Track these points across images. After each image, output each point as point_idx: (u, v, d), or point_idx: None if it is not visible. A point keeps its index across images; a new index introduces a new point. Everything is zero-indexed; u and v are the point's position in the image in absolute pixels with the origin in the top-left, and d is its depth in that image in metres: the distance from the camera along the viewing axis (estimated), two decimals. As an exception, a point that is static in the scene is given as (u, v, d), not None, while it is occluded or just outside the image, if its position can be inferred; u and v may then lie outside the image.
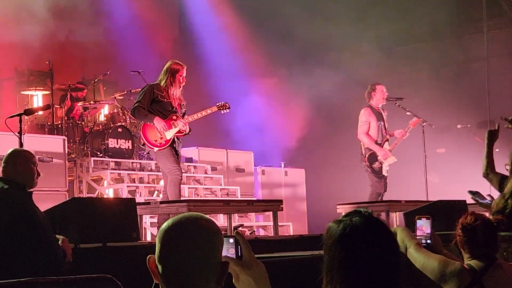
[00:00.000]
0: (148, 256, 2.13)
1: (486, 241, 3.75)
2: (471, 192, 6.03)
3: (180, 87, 8.59)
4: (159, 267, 2.10)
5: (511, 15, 14.41)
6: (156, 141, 8.45)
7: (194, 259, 2.08)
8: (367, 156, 10.30)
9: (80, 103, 11.75)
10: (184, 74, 8.57)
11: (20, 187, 5.04)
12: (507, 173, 5.94)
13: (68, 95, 11.80)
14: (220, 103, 9.05)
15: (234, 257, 2.26)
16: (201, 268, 2.09)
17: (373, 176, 10.33)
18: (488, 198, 6.40)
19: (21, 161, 5.11)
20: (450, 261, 3.62)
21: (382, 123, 10.39)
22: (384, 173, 10.29)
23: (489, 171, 5.93)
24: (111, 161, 10.86)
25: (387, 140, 10.44)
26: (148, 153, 9.02)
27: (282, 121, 15.08)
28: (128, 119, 11.53)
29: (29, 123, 10.87)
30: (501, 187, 5.80)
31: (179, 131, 8.52)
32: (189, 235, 2.09)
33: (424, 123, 11.03)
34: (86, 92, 12.32)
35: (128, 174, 10.83)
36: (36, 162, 5.22)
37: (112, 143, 10.91)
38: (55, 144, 9.96)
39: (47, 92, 11.80)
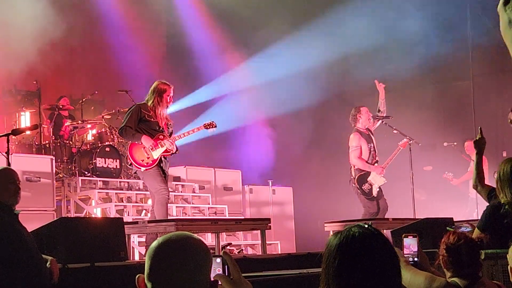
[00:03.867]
0: (137, 275, 2.14)
1: (470, 260, 3.78)
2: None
3: (167, 107, 8.64)
4: (148, 285, 2.11)
5: (495, 34, 14.54)
6: (143, 160, 8.46)
7: (183, 278, 2.09)
8: (356, 178, 10.33)
9: (68, 123, 11.76)
10: (171, 94, 8.62)
11: (3, 207, 4.99)
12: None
13: (56, 114, 11.80)
14: (207, 122, 9.07)
15: None
16: (190, 287, 2.10)
17: (363, 197, 10.36)
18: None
19: None
20: (436, 277, 3.65)
21: (371, 145, 10.44)
22: (374, 194, 10.32)
23: (478, 183, 5.91)
24: (99, 180, 10.85)
25: (377, 161, 10.49)
26: (135, 172, 9.03)
27: (270, 140, 15.12)
28: (116, 139, 11.53)
29: (16, 143, 10.85)
30: (490, 198, 5.81)
31: (166, 151, 8.53)
32: (179, 254, 2.11)
33: (411, 141, 11.09)
34: (69, 103, 12.30)
35: (116, 193, 10.82)
36: (15, 179, 5.14)
37: (100, 162, 10.90)
38: (43, 163, 9.94)
39: (35, 110, 11.78)
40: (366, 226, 2.30)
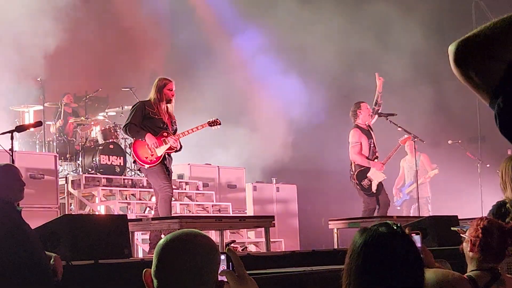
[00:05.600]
0: (144, 270, 2.13)
1: (499, 247, 3.73)
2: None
3: (170, 101, 8.61)
4: (155, 281, 2.10)
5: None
6: (147, 158, 8.46)
7: (190, 276, 2.08)
8: (356, 173, 10.32)
9: (72, 120, 11.77)
10: (173, 88, 8.61)
11: (7, 204, 4.98)
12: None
13: (59, 112, 11.80)
14: (211, 119, 9.07)
15: None
16: (197, 286, 2.09)
17: (363, 193, 10.35)
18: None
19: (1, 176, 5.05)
20: (447, 271, 3.62)
21: (371, 140, 10.42)
22: (374, 190, 10.31)
23: None
24: (103, 177, 10.84)
25: (377, 157, 10.47)
26: (139, 169, 9.04)
27: (273, 137, 15.10)
28: (120, 136, 11.52)
29: (20, 140, 10.84)
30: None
31: (170, 148, 8.54)
32: (186, 251, 2.10)
33: (415, 139, 11.07)
34: (73, 100, 12.32)
35: (119, 190, 10.82)
36: (19, 176, 5.13)
37: (103, 159, 10.89)
38: (46, 161, 9.94)
39: (39, 108, 11.77)
40: (394, 226, 2.28)
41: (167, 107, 8.62)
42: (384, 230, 2.24)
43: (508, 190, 5.29)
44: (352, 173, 10.42)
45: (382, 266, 2.19)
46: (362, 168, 10.31)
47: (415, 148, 11.36)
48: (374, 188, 10.30)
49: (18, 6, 11.53)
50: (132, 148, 8.68)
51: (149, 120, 8.53)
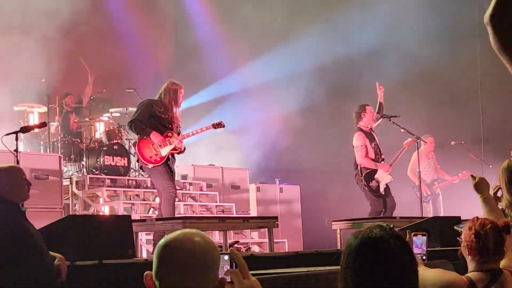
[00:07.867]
0: (145, 273, 2.15)
1: (496, 245, 3.74)
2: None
3: (178, 106, 8.66)
4: (156, 283, 2.11)
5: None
6: (151, 157, 8.47)
7: (191, 276, 2.09)
8: (364, 175, 10.32)
9: (76, 120, 11.81)
10: (182, 93, 8.68)
11: (11, 205, 4.99)
12: None
13: (63, 112, 11.83)
14: (215, 122, 9.08)
15: None
16: (198, 285, 2.10)
17: (371, 194, 10.34)
18: None
19: (7, 177, 5.07)
20: (445, 271, 3.63)
21: (375, 143, 10.42)
22: (381, 191, 10.30)
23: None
24: (107, 178, 10.87)
25: (383, 159, 10.47)
26: (140, 168, 9.07)
27: (277, 136, 15.12)
28: (124, 137, 11.55)
29: (25, 140, 10.87)
30: None
31: (174, 148, 8.55)
32: (187, 251, 2.11)
33: (418, 140, 11.07)
34: (76, 101, 12.36)
35: (123, 191, 10.85)
36: (25, 175, 5.16)
37: (107, 160, 10.92)
38: (51, 161, 9.96)
39: (44, 110, 11.80)
40: (387, 228, 2.30)
41: (174, 110, 8.65)
42: (377, 232, 2.26)
43: (504, 197, 5.27)
44: (359, 175, 10.40)
45: (377, 268, 2.21)
46: (369, 170, 10.32)
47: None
48: (382, 189, 10.30)
49: (26, 10, 11.57)
50: (136, 147, 8.69)
51: (155, 118, 8.55)
